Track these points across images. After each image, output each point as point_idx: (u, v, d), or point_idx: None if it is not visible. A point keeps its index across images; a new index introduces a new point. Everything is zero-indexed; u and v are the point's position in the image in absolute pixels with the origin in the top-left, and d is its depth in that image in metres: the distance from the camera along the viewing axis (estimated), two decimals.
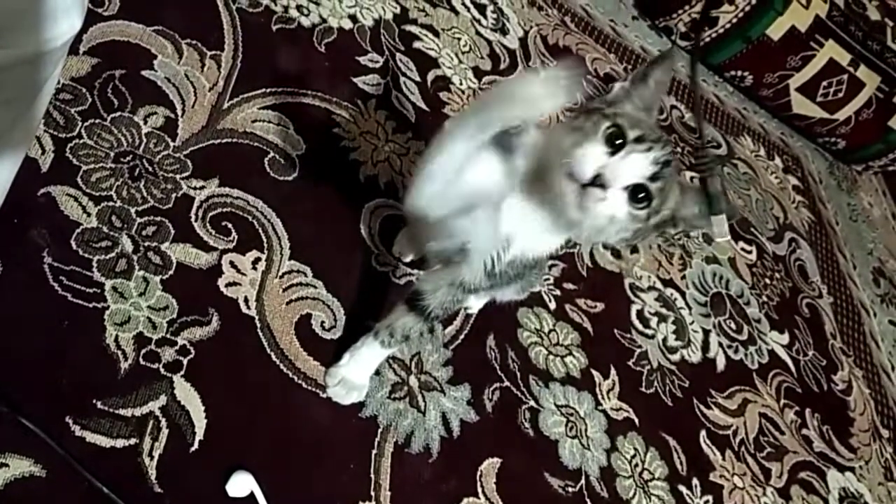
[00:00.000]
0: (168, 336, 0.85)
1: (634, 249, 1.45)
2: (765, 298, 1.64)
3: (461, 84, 1.44)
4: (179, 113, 1.03)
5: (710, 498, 1.19)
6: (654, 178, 0.66)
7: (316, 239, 1.03)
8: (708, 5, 1.98)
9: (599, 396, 1.17)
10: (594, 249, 1.37)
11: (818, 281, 1.85)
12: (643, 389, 1.24)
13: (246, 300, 0.93)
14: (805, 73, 2.06)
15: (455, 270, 0.79)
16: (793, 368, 1.54)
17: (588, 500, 1.05)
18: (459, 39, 1.53)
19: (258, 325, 0.92)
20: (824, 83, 2.08)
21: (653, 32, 2.11)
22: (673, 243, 1.55)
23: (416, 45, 1.43)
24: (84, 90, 0.96)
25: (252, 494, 0.80)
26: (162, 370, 0.83)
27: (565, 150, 0.66)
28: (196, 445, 0.80)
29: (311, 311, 0.97)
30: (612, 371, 1.22)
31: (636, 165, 0.65)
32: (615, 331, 1.29)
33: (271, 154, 1.08)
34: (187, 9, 1.14)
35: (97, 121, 0.95)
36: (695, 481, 1.19)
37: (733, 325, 1.51)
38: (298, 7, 1.29)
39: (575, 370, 1.18)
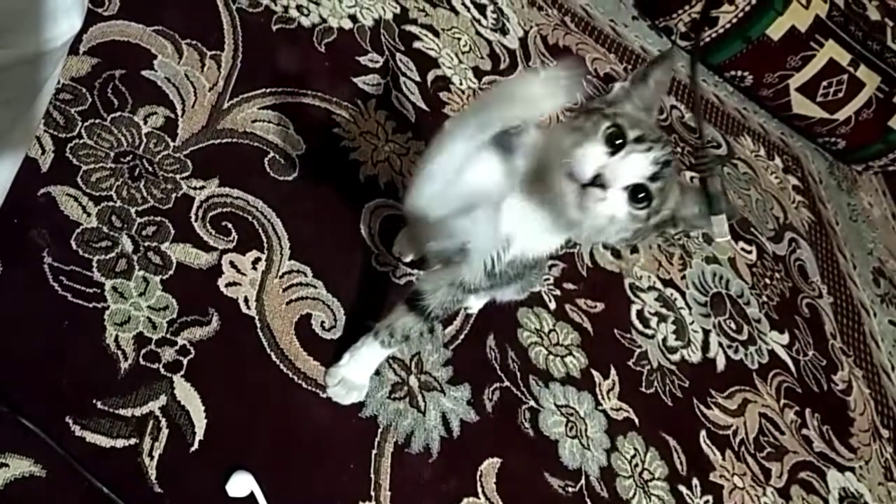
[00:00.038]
0: (168, 336, 0.85)
1: (634, 249, 1.45)
2: (765, 298, 1.65)
3: (461, 84, 1.44)
4: (179, 113, 1.03)
5: (709, 498, 1.19)
6: (654, 178, 0.66)
7: (316, 239, 1.03)
8: (708, 5, 1.98)
9: (599, 396, 1.17)
10: (594, 249, 1.37)
11: (818, 281, 1.85)
12: (643, 389, 1.24)
13: (246, 300, 0.93)
14: (805, 73, 2.07)
15: (455, 270, 0.79)
16: (793, 368, 1.54)
17: (588, 500, 1.05)
18: (459, 39, 1.53)
19: (258, 325, 0.92)
20: (824, 83, 2.09)
21: (653, 32, 2.11)
22: (673, 243, 1.55)
23: (416, 45, 1.43)
24: (84, 90, 0.96)
25: (252, 494, 0.80)
26: (162, 370, 0.83)
27: (565, 150, 0.66)
28: (196, 445, 0.80)
29: (311, 311, 0.97)
30: (612, 371, 1.22)
31: (636, 165, 0.65)
32: (615, 331, 1.29)
33: (271, 154, 1.08)
34: (187, 9, 1.14)
35: (97, 121, 0.95)
36: (695, 481, 1.19)
37: (733, 325, 1.51)
38: (298, 7, 1.29)
39: (575, 370, 1.18)
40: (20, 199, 0.75)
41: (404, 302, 0.86)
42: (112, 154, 0.94)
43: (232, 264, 0.94)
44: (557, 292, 1.25)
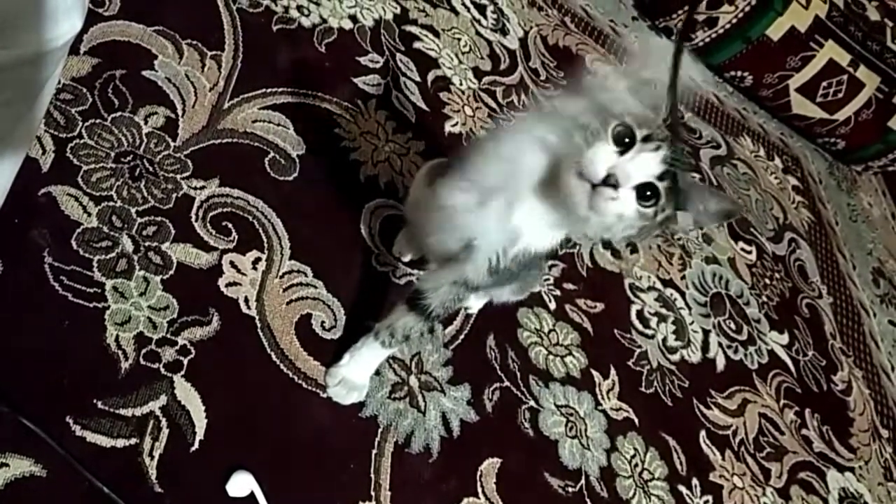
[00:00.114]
0: (168, 336, 0.85)
1: (634, 249, 1.45)
2: (764, 299, 1.65)
3: (461, 84, 1.44)
4: (180, 113, 1.03)
5: (709, 498, 1.19)
6: (662, 176, 0.66)
7: (316, 239, 1.03)
8: None
9: (599, 396, 1.17)
10: (594, 249, 1.37)
11: (818, 281, 1.85)
12: (643, 389, 1.24)
13: (246, 300, 0.93)
14: (805, 73, 2.07)
15: (457, 268, 0.79)
16: (792, 369, 1.54)
17: (588, 500, 1.05)
18: (459, 40, 1.53)
19: (258, 325, 0.92)
20: (824, 83, 2.09)
21: (652, 33, 2.11)
22: (673, 243, 1.55)
23: (417, 45, 1.43)
24: (85, 90, 0.96)
25: (252, 494, 0.80)
26: (162, 370, 0.83)
27: (575, 148, 0.66)
28: (196, 445, 0.80)
29: (311, 311, 0.97)
30: (612, 371, 1.22)
31: (646, 165, 0.65)
32: (615, 331, 1.29)
33: (272, 154, 1.08)
34: (188, 9, 1.14)
35: (98, 121, 0.95)
36: (694, 481, 1.19)
37: (733, 326, 1.51)
38: (299, 7, 1.29)
39: (575, 370, 1.18)
40: (21, 198, 0.75)
41: (405, 302, 0.86)
42: (113, 154, 0.94)
43: (232, 264, 0.95)
44: (557, 292, 1.25)
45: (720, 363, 1.41)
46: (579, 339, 1.22)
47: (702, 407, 1.30)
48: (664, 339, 1.35)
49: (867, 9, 2.10)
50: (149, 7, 1.10)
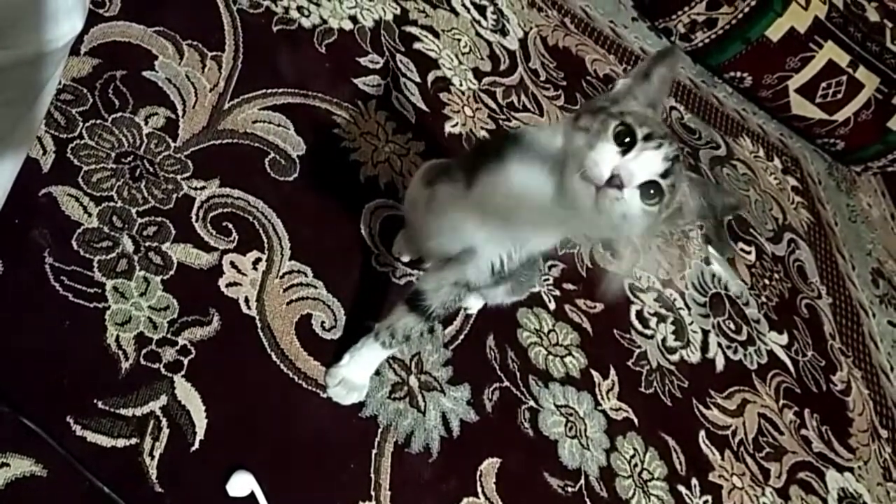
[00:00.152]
0: (169, 336, 0.85)
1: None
2: (764, 299, 1.65)
3: (461, 85, 1.44)
4: (180, 113, 1.03)
5: (709, 498, 1.19)
6: (665, 174, 0.66)
7: (316, 239, 1.03)
8: None
9: (599, 396, 1.18)
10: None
11: (817, 282, 1.85)
12: (642, 389, 1.25)
13: (246, 300, 0.93)
14: (804, 74, 2.07)
15: (458, 269, 0.79)
16: (792, 369, 1.54)
17: (588, 500, 1.05)
18: (459, 40, 1.53)
19: (259, 325, 0.92)
20: (823, 84, 2.09)
21: (652, 34, 2.12)
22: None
23: (417, 46, 1.43)
24: (85, 91, 0.97)
25: (252, 494, 0.80)
26: (162, 370, 0.83)
27: (576, 151, 0.66)
28: (196, 445, 0.80)
29: (311, 311, 0.97)
30: (612, 371, 1.22)
31: (649, 163, 0.65)
32: (614, 331, 1.29)
33: (272, 154, 1.08)
34: (188, 10, 1.14)
35: (98, 121, 0.95)
36: (694, 481, 1.19)
37: (732, 326, 1.51)
38: (299, 8, 1.29)
39: (574, 370, 1.18)
40: (21, 199, 0.75)
41: (405, 302, 0.86)
42: (113, 154, 0.94)
43: (232, 264, 0.95)
44: (557, 292, 1.25)
45: (719, 363, 1.42)
46: (579, 340, 1.22)
47: (701, 407, 1.31)
48: (664, 340, 1.35)
49: (866, 10, 2.10)
50: (149, 8, 1.10)
